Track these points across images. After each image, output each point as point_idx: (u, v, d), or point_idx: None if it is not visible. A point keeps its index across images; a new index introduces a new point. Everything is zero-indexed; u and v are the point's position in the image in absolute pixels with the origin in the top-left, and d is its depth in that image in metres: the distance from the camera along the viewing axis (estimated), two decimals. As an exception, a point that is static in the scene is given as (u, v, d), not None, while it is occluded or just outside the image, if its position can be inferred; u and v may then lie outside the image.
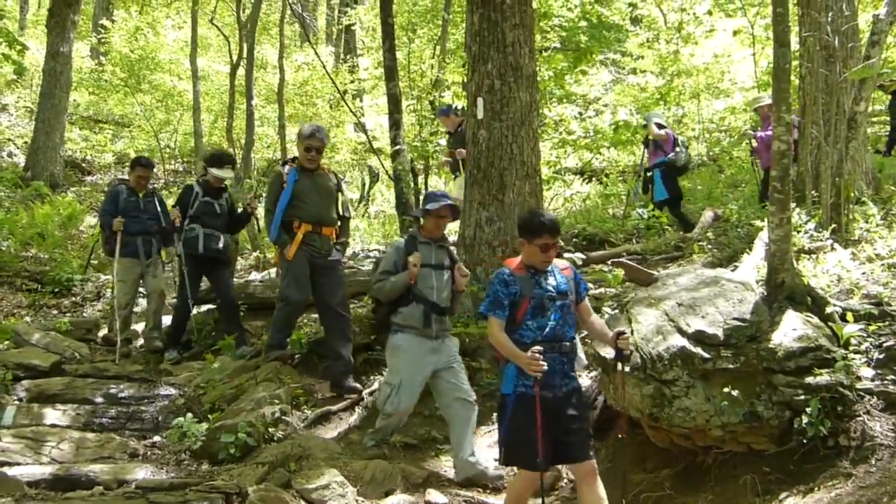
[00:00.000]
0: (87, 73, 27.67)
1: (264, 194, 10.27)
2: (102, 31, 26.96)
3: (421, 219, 7.60)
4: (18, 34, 25.43)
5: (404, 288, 7.24)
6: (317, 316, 9.53)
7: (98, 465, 7.00)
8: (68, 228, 16.90)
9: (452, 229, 12.77)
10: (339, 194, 8.93)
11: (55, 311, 13.14)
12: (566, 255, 10.87)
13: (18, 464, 7.00)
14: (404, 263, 7.28)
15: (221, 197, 10.59)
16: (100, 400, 8.69)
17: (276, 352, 8.95)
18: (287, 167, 8.77)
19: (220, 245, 10.36)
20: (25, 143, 22.05)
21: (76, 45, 22.46)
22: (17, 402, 8.45)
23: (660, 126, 13.82)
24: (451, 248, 7.73)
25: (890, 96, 13.82)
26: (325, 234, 8.75)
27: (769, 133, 12.67)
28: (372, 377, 8.94)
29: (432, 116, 16.60)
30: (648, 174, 13.70)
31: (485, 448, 7.48)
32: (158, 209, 11.18)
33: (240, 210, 10.98)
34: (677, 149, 13.51)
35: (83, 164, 23.12)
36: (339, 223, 8.99)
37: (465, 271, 7.45)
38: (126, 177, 11.99)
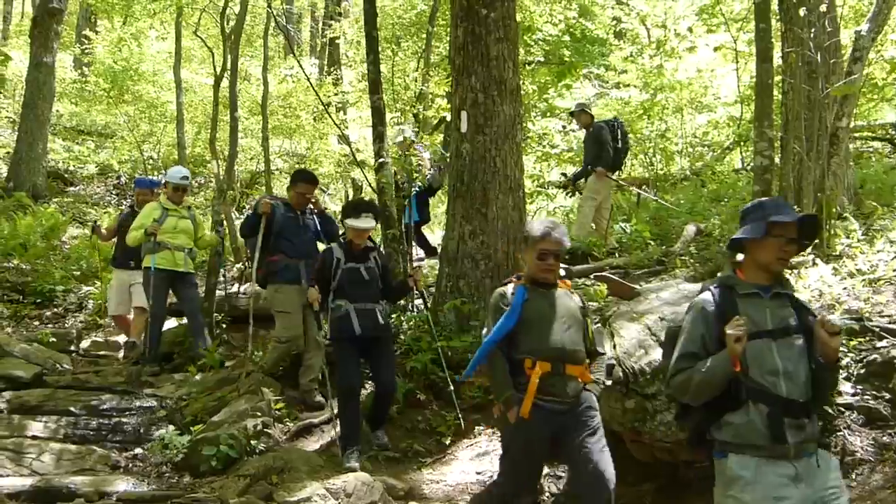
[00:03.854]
0: (70, 83, 27.64)
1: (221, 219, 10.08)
2: (86, 41, 26.94)
3: (741, 250, 4.71)
4: (1, 44, 25.44)
5: (726, 379, 4.37)
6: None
7: (79, 478, 6.98)
8: (50, 239, 16.82)
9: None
10: (587, 319, 6.09)
11: (37, 323, 13.10)
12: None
13: (-1, 476, 6.98)
14: (719, 336, 4.42)
15: (369, 259, 8.15)
16: (81, 411, 8.66)
17: None
18: (511, 286, 6.02)
19: (381, 320, 7.99)
20: (8, 153, 21.94)
21: (59, 55, 22.42)
22: (-3, 414, 8.43)
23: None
24: (796, 293, 4.80)
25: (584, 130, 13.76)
26: (569, 374, 5.72)
27: None
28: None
29: (416, 130, 16.63)
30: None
31: (467, 461, 7.48)
32: (318, 227, 9.63)
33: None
34: (432, 170, 13.47)
35: (66, 175, 23.01)
36: (587, 360, 5.97)
37: (833, 325, 4.28)
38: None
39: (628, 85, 20.12)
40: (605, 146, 12.92)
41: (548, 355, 5.65)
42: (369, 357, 8.03)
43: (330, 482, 6.62)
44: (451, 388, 7.88)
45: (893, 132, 19.07)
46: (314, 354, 9.12)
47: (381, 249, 8.71)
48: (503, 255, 9.24)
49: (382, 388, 7.91)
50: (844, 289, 7.67)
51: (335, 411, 8.26)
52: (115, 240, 12.10)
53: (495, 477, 6.28)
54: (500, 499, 6.01)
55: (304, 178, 9.68)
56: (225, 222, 11.60)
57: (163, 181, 11.77)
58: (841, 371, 6.15)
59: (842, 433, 5.82)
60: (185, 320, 11.32)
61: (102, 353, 11.90)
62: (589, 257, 12.36)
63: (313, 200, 9.72)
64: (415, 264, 8.64)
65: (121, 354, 11.54)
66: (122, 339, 11.87)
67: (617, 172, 13.97)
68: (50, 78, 20.16)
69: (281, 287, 9.15)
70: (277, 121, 24.70)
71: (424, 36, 19.67)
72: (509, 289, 6.00)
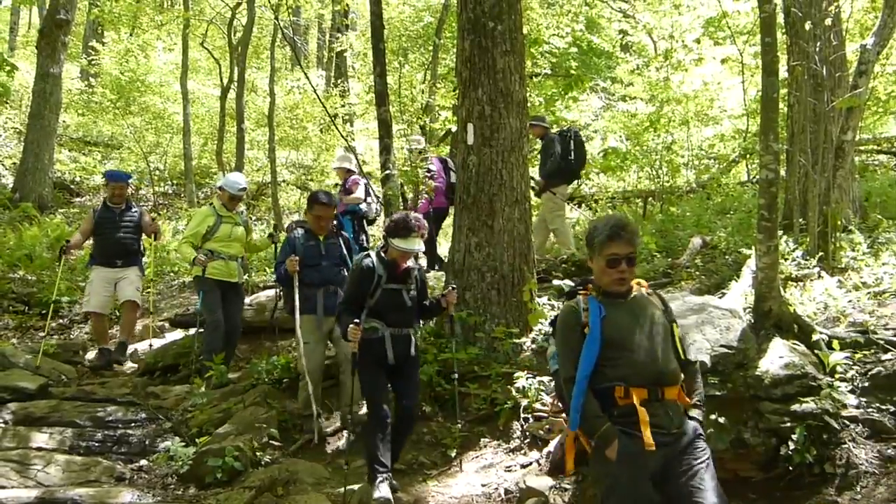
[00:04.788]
0: (76, 94, 27.73)
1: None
2: (93, 52, 27.03)
3: None
4: (8, 55, 25.53)
5: None
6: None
7: (84, 489, 6.97)
8: (56, 250, 16.85)
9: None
10: (674, 325, 5.11)
11: (42, 334, 13.11)
12: (555, 281, 10.92)
13: (4, 487, 6.97)
14: None
15: (411, 279, 7.32)
16: (87, 423, 8.66)
17: None
18: (580, 298, 5.15)
19: (412, 350, 7.30)
20: (14, 164, 22.04)
21: (66, 66, 22.50)
22: (2, 425, 8.43)
23: (349, 171, 12.91)
24: None
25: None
26: (668, 400, 4.84)
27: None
28: (361, 401, 8.93)
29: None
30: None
31: (472, 473, 7.47)
32: (343, 251, 9.11)
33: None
34: (370, 199, 12.76)
35: (72, 186, 23.10)
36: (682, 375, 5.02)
37: None
38: (302, 218, 9.85)
39: (635, 97, 20.17)
40: (547, 159, 12.87)
41: (643, 380, 4.78)
42: (394, 381, 7.22)
43: (335, 494, 6.62)
44: (457, 401, 7.88)
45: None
46: (346, 377, 8.17)
47: (421, 265, 7.75)
48: (509, 268, 9.23)
49: (405, 413, 7.17)
50: (850, 301, 7.68)
51: (341, 423, 8.29)
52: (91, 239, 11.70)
53: None
54: None
55: (319, 201, 9.03)
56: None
57: (217, 186, 11.33)
58: (846, 384, 6.16)
59: (846, 446, 5.82)
60: (191, 331, 11.27)
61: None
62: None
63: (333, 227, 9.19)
64: (448, 287, 7.91)
65: (128, 366, 11.49)
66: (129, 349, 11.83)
67: (574, 182, 14.02)
68: (56, 89, 20.23)
69: (303, 318, 8.72)
70: (284, 132, 24.81)
71: (431, 48, 19.71)
72: (580, 302, 5.06)
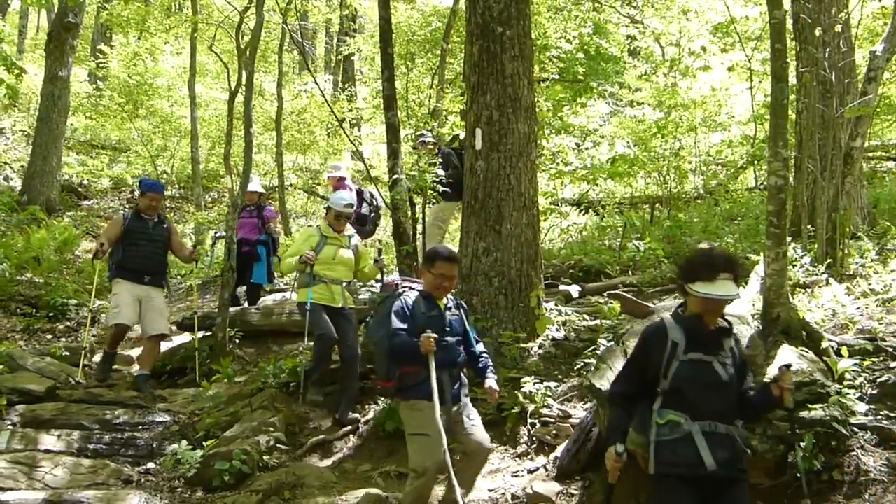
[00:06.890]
0: (84, 97, 27.77)
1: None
2: (101, 56, 27.09)
3: None
4: (17, 58, 25.58)
5: None
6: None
7: (91, 492, 6.98)
8: (64, 253, 16.89)
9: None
10: None
11: (49, 336, 13.11)
12: (562, 286, 10.92)
13: (11, 489, 6.98)
14: None
15: (723, 347, 5.01)
16: (94, 426, 8.65)
17: None
18: None
19: (740, 460, 4.98)
20: (22, 167, 22.09)
21: (74, 69, 22.55)
22: (10, 427, 8.42)
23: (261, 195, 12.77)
24: None
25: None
26: None
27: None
28: (368, 406, 8.92)
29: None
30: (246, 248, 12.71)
31: (478, 478, 7.44)
32: (467, 325, 6.76)
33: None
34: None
35: (80, 189, 23.16)
36: None
37: None
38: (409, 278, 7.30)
39: (642, 103, 20.13)
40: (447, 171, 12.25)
41: None
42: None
43: (342, 498, 6.61)
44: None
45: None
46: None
47: (737, 335, 5.31)
48: (517, 273, 9.23)
49: None
50: (858, 308, 7.67)
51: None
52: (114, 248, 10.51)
53: None
54: None
55: (442, 256, 6.58)
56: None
57: (326, 206, 10.14)
58: (854, 391, 6.15)
59: (855, 453, 5.80)
60: (200, 335, 11.17)
61: (116, 367, 11.84)
62: (602, 275, 12.37)
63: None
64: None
65: (134, 368, 11.44)
66: (135, 353, 11.81)
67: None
68: (65, 92, 20.27)
69: (417, 404, 6.30)
70: (291, 136, 24.83)
71: (439, 53, 19.70)
72: None
